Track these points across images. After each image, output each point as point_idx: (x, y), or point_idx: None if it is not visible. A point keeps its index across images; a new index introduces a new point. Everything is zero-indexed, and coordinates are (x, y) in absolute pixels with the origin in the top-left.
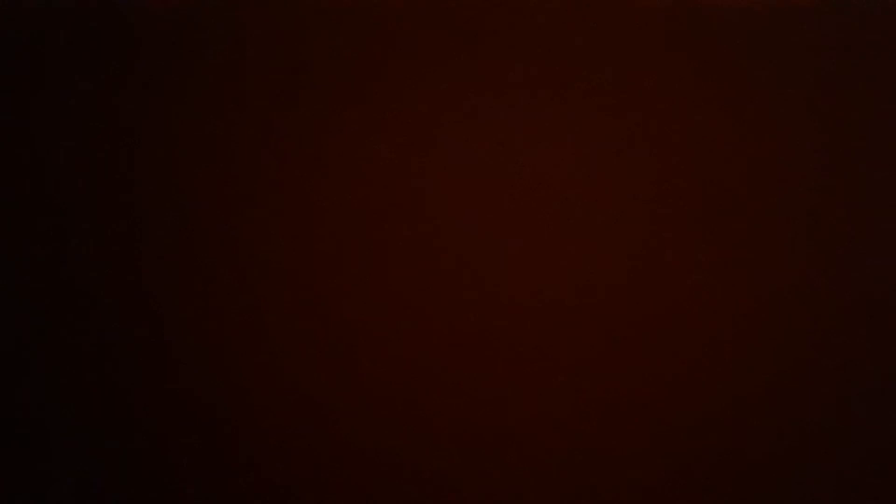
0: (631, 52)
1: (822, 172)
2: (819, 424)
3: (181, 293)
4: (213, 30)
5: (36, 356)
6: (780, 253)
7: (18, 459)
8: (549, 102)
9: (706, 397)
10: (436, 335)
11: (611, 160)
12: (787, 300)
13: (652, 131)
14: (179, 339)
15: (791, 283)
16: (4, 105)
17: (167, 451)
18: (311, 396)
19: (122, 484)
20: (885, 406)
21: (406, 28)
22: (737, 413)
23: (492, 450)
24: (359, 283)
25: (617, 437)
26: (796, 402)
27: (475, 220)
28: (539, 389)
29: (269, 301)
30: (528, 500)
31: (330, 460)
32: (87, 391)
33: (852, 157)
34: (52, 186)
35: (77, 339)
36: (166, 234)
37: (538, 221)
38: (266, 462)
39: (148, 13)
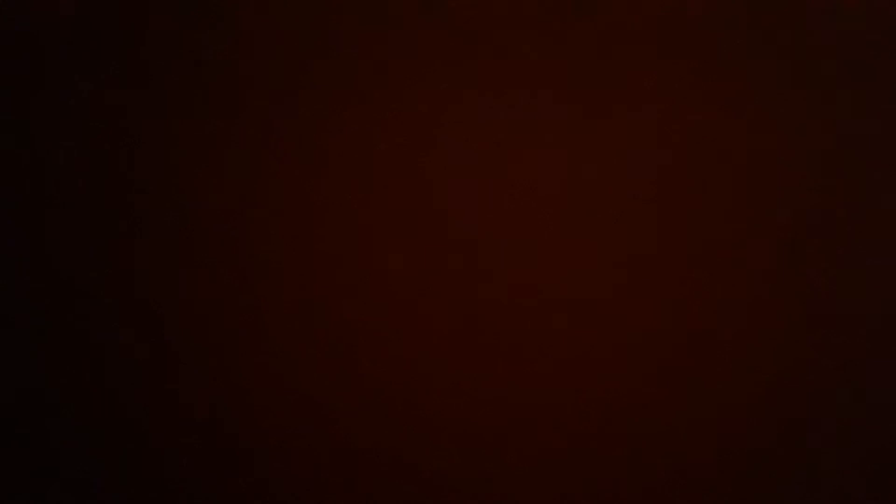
0: (631, 52)
1: (823, 172)
2: (819, 424)
3: (181, 293)
4: (213, 30)
5: (36, 356)
6: (780, 253)
7: (18, 459)
8: (549, 102)
9: (706, 397)
10: (436, 335)
11: (611, 160)
12: (787, 300)
13: (652, 131)
14: (179, 338)
15: (791, 283)
16: (4, 105)
17: (167, 451)
18: (311, 396)
19: (123, 484)
20: (885, 406)
21: (406, 28)
22: (737, 413)
23: (492, 450)
24: (359, 283)
25: (617, 437)
26: (796, 401)
27: (475, 220)
28: (539, 389)
29: (269, 301)
30: (528, 500)
31: (330, 460)
32: (87, 391)
33: (852, 157)
34: (52, 186)
35: (77, 339)
36: (166, 233)
37: (538, 221)
38: (266, 462)
39: (148, 13)
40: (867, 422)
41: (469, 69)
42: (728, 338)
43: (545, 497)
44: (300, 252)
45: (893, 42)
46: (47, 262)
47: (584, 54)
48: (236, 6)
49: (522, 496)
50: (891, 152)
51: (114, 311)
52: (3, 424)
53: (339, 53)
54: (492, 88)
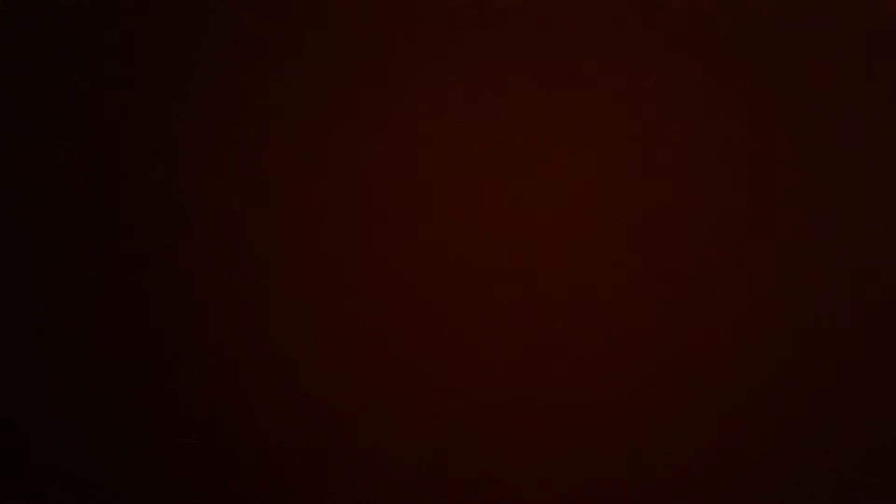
0: (631, 52)
1: (823, 172)
2: (819, 423)
3: (181, 293)
4: (213, 30)
5: (36, 356)
6: (780, 253)
7: (18, 459)
8: (549, 102)
9: (706, 397)
10: (436, 335)
11: (611, 159)
12: (787, 300)
13: (652, 131)
14: (179, 338)
15: (791, 282)
16: (4, 105)
17: (167, 451)
18: (312, 396)
19: (123, 484)
20: (884, 405)
21: (406, 28)
22: (737, 412)
23: (492, 449)
24: (359, 283)
25: (617, 436)
26: (796, 401)
27: (475, 220)
28: (539, 389)
29: (270, 301)
30: (528, 500)
31: (330, 460)
32: (87, 391)
33: (852, 157)
34: (53, 186)
35: (77, 339)
36: (166, 233)
37: (537, 221)
38: (266, 462)
39: (148, 13)
40: (866, 422)
41: (469, 69)
42: (729, 337)
43: (545, 497)
44: (300, 252)
45: (893, 42)
46: (47, 262)
47: (584, 54)
48: (236, 6)
49: (523, 496)
50: (891, 152)
51: (114, 311)
52: (3, 424)
53: (339, 53)
54: (492, 88)
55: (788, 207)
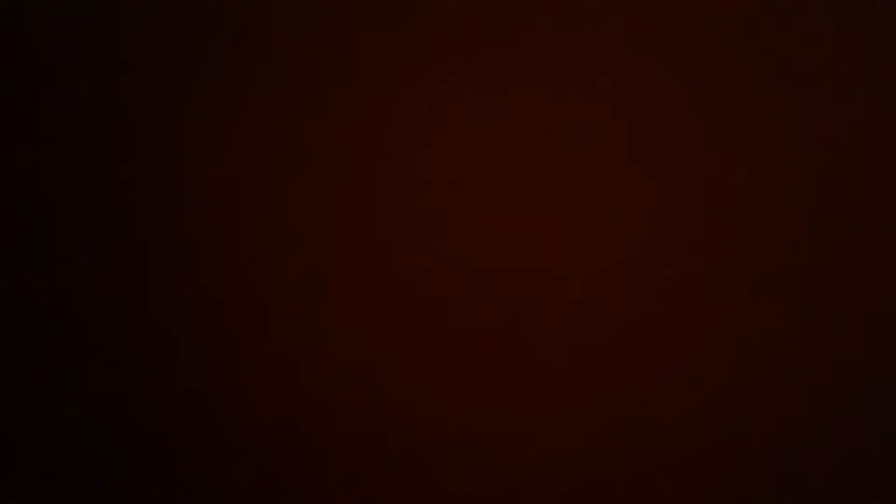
0: (631, 52)
1: (822, 172)
2: (819, 423)
3: (181, 292)
4: (214, 29)
5: (36, 356)
6: (780, 252)
7: (18, 459)
8: (549, 102)
9: (706, 396)
10: (436, 335)
11: (611, 159)
12: (787, 299)
13: (651, 131)
14: (179, 338)
15: (791, 282)
16: (4, 105)
17: (167, 450)
18: (312, 396)
19: (123, 484)
20: (884, 405)
21: (406, 28)
22: (737, 412)
23: (492, 449)
24: (359, 283)
25: (617, 436)
26: (796, 401)
27: (475, 220)
28: (539, 389)
29: (270, 301)
30: (528, 500)
31: (330, 460)
32: (87, 391)
33: (852, 157)
34: (53, 186)
35: (77, 339)
36: (166, 233)
37: (538, 221)
38: (266, 461)
39: (148, 13)
40: (866, 422)
41: (469, 69)
42: (729, 337)
43: (545, 497)
44: (300, 251)
45: (893, 42)
46: (48, 261)
47: (584, 54)
48: (236, 6)
49: (523, 496)
50: (891, 152)
51: (114, 311)
52: (3, 424)
53: (339, 53)
54: (492, 88)
55: (788, 207)
